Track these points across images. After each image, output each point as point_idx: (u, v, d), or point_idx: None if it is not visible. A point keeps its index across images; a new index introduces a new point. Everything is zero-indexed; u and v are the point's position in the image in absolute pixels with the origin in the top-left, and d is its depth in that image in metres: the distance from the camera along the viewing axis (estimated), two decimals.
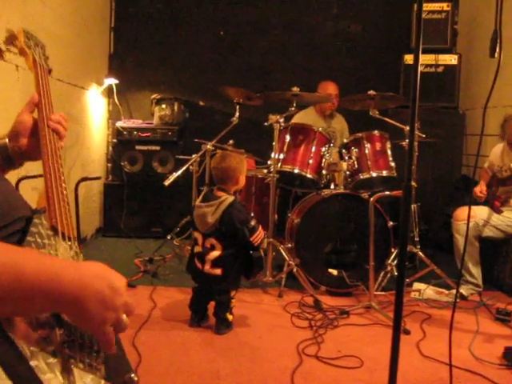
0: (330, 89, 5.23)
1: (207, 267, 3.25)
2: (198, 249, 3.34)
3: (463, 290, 3.96)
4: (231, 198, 3.28)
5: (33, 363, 0.88)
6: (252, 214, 3.39)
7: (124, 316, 0.98)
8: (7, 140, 1.41)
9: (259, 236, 3.28)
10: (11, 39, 1.47)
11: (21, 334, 0.90)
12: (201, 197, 3.40)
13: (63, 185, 1.21)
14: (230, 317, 3.30)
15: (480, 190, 4.13)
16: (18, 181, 3.19)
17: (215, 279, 3.25)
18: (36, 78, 1.42)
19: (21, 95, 3.64)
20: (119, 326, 0.98)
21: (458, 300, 3.49)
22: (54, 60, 1.62)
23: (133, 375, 1.09)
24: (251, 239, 3.24)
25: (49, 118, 1.36)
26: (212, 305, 3.37)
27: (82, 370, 0.94)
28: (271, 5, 6.40)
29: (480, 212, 4.04)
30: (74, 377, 0.91)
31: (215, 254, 3.25)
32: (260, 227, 3.33)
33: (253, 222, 3.27)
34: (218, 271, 3.24)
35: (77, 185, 4.58)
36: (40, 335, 0.93)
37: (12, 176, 1.50)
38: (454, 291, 3.94)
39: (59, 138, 1.38)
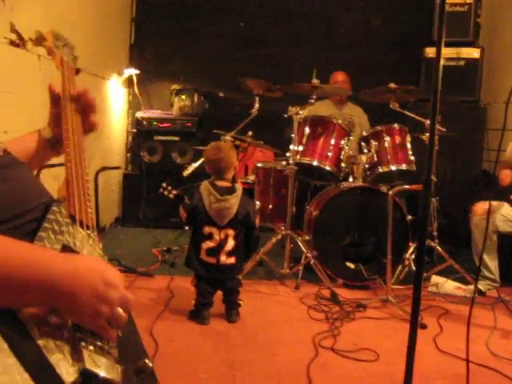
0: (337, 77, 5.31)
1: (223, 258, 3.26)
2: (209, 244, 3.27)
3: (481, 286, 3.94)
4: (239, 186, 3.42)
5: (41, 342, 0.88)
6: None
7: (120, 310, 0.98)
8: (48, 129, 1.48)
9: None
10: (40, 40, 1.53)
11: (30, 314, 0.91)
12: (210, 191, 3.27)
13: (85, 175, 1.22)
14: (241, 302, 3.37)
15: (505, 172, 4.03)
16: (39, 170, 3.21)
17: (229, 268, 3.30)
18: (62, 76, 1.46)
19: (42, 85, 3.65)
20: (115, 320, 0.98)
21: (475, 295, 3.47)
22: (76, 50, 1.64)
23: (147, 360, 1.09)
24: (256, 220, 3.48)
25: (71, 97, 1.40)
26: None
27: (93, 353, 0.94)
28: None
29: (499, 207, 4.00)
30: (84, 359, 0.91)
31: (231, 243, 3.28)
32: None
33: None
34: (232, 260, 3.29)
35: (96, 174, 4.62)
36: (50, 316, 0.94)
37: None
38: (471, 286, 3.91)
39: (93, 111, 1.44)
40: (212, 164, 3.41)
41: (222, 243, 3.27)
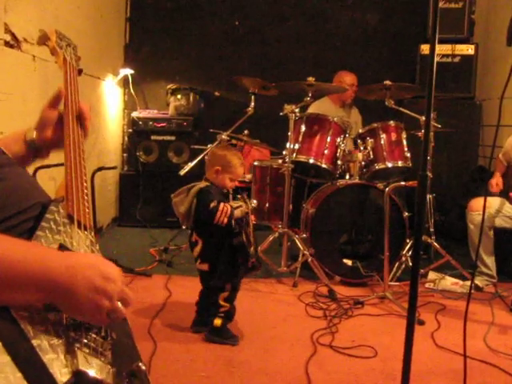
0: (351, 79, 5.21)
1: (197, 263, 3.06)
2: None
3: (478, 281, 3.94)
4: (203, 184, 3.01)
5: (35, 342, 0.88)
6: (215, 200, 2.91)
7: (119, 304, 1.00)
8: (34, 131, 1.43)
9: (223, 214, 2.87)
10: (44, 39, 1.52)
11: (25, 314, 0.91)
12: None
13: (84, 176, 1.23)
14: (217, 322, 2.96)
15: (496, 181, 4.08)
16: (36, 170, 3.21)
17: (204, 275, 3.06)
18: (65, 76, 1.46)
19: (38, 86, 3.67)
20: (114, 314, 0.99)
21: (472, 291, 3.48)
22: (78, 50, 1.64)
23: (140, 364, 1.09)
24: (215, 222, 2.87)
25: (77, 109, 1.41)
26: None
27: (87, 354, 0.95)
28: None
29: (494, 202, 4.00)
30: (77, 360, 0.92)
31: (198, 248, 3.03)
32: (222, 204, 2.88)
33: (212, 204, 2.87)
34: (205, 266, 3.00)
35: (93, 174, 4.61)
36: (45, 317, 0.94)
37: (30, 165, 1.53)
38: (468, 282, 3.92)
39: (84, 132, 1.43)
40: None
41: (192, 246, 3.08)
